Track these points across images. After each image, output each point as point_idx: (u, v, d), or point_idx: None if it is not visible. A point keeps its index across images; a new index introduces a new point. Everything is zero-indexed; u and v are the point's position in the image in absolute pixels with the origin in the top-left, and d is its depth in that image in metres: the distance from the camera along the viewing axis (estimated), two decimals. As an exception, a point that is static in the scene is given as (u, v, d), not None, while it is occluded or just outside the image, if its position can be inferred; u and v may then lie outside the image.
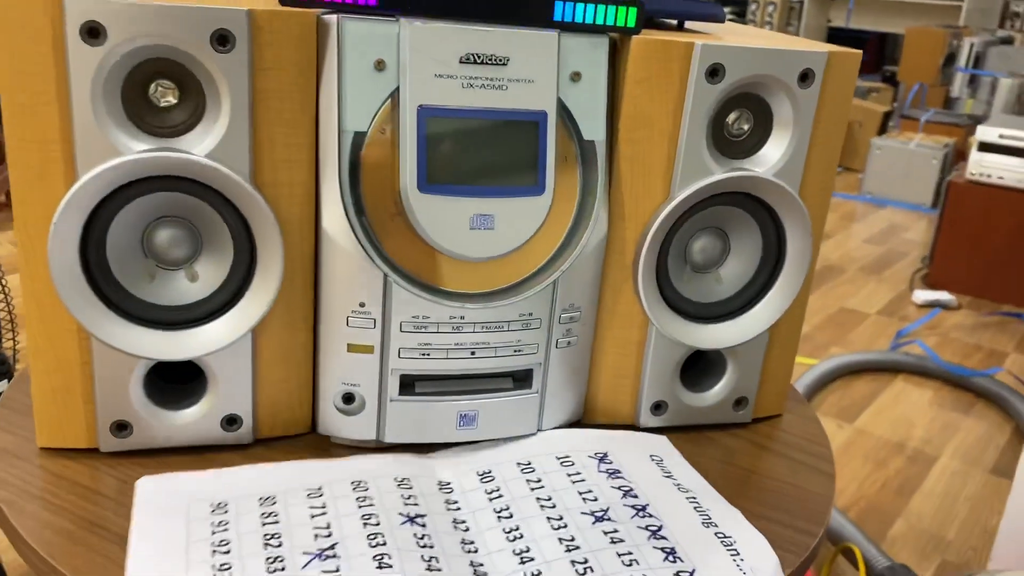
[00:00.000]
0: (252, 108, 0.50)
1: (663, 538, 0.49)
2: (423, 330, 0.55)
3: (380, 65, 0.50)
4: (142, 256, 0.53)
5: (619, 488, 0.53)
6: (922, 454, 1.92)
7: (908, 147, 4.10)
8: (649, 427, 0.63)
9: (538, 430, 0.60)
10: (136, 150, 0.49)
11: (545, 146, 0.53)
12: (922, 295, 2.85)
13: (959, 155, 4.05)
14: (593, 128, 0.55)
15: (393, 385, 0.56)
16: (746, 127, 0.58)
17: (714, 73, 0.54)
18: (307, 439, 0.59)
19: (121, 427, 0.54)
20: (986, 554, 1.58)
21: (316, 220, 0.54)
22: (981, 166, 2.90)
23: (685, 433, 0.64)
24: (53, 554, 0.46)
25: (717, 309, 0.62)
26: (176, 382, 0.57)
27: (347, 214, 0.52)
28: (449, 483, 0.54)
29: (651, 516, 0.51)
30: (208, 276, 0.54)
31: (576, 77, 0.53)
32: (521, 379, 0.58)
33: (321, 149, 0.52)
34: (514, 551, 0.48)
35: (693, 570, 0.47)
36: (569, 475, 0.54)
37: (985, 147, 2.90)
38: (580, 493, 0.52)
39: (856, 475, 1.81)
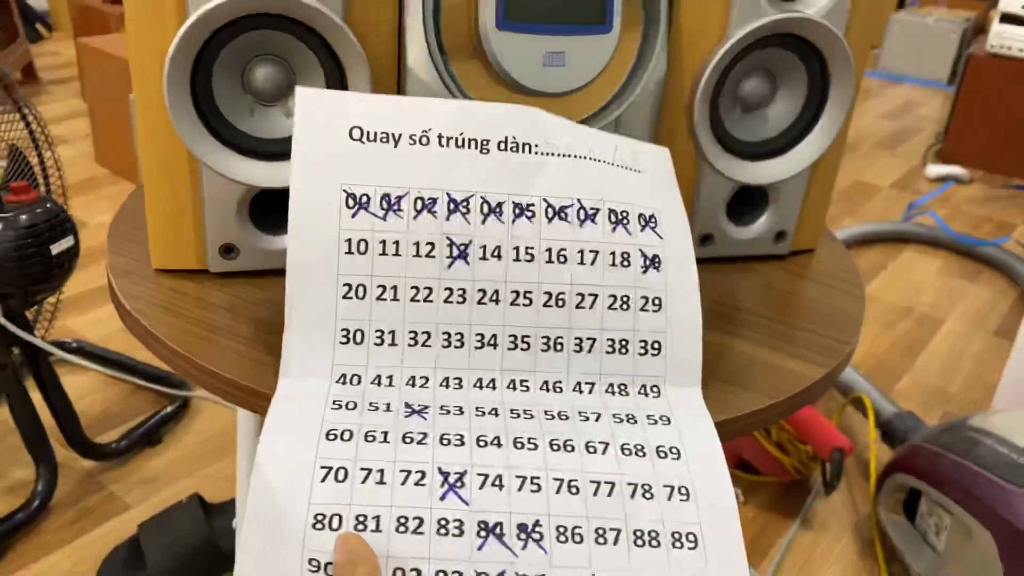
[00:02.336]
0: (346, -51, 0.53)
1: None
2: (498, 162, 0.60)
3: (464, -93, 0.54)
4: (242, 92, 0.58)
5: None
6: (929, 317, 2.00)
7: (927, 21, 4.04)
8: (696, 258, 0.69)
9: None
10: (243, -12, 0.53)
11: (614, -13, 0.57)
12: (935, 169, 2.88)
13: (979, 30, 3.99)
14: (657, -30, 0.58)
15: (469, 213, 0.62)
16: (798, -29, 0.61)
17: (772, -84, 0.58)
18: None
19: (228, 249, 0.60)
20: (986, 406, 1.67)
21: (400, 59, 0.58)
22: (1002, 38, 2.87)
23: (729, 264, 0.70)
24: (190, 350, 0.53)
25: (764, 147, 0.67)
26: (275, 213, 0.62)
27: (430, 52, 0.56)
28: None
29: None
30: (302, 111, 0.59)
31: (643, -80, 0.57)
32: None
33: (407, -10, 0.56)
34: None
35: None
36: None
37: (1007, 19, 2.87)
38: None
39: (865, 337, 1.89)
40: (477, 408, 0.47)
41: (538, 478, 0.44)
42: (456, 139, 0.51)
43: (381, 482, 0.42)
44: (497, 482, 0.43)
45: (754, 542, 1.31)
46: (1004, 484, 1.04)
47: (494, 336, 0.49)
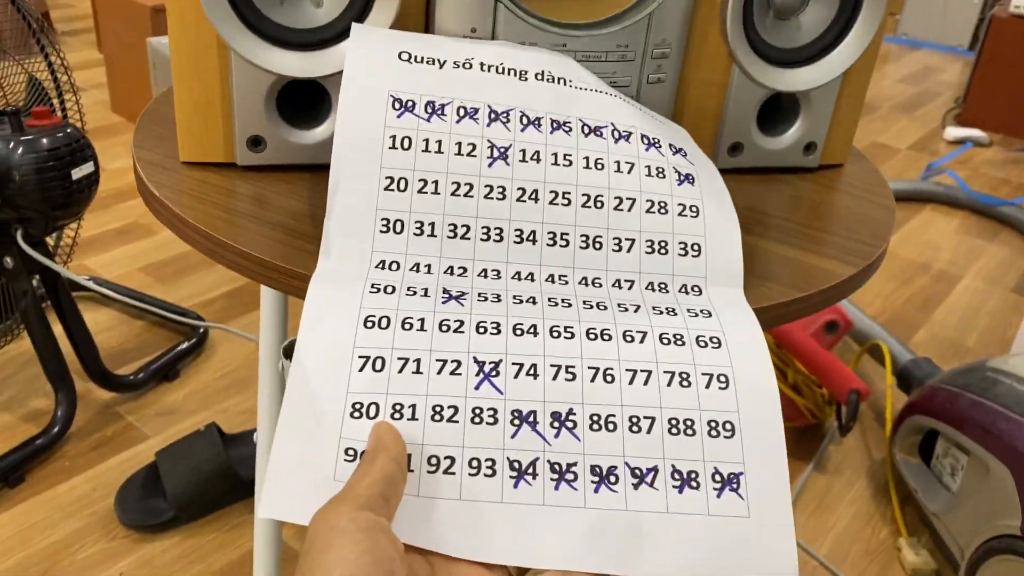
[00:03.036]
0: None
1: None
2: (528, 58, 0.60)
3: None
4: (272, -20, 0.57)
5: None
6: (946, 274, 1.99)
7: (949, -14, 3.98)
8: (725, 168, 0.68)
9: None
10: None
11: None
12: (954, 132, 2.85)
13: (1001, -6, 3.93)
14: None
15: (498, 112, 0.61)
16: None
17: None
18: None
19: (255, 142, 0.60)
20: (1003, 360, 1.66)
21: (431, -51, 0.57)
22: (1026, -2, 2.83)
23: (758, 175, 0.69)
24: (218, 231, 0.53)
25: (796, 55, 0.66)
26: (300, 110, 0.62)
27: (463, -60, 0.56)
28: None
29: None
30: (333, 1, 0.58)
31: None
32: (614, 112, 0.63)
33: None
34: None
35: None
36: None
37: (1032, -22, 2.82)
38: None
39: (881, 291, 1.89)
40: (515, 296, 0.48)
41: (573, 367, 0.44)
42: (497, 67, 0.53)
43: (417, 371, 0.42)
44: (532, 371, 0.43)
45: (768, 484, 1.31)
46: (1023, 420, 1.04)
47: (533, 232, 0.50)
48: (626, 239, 0.50)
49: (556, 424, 0.42)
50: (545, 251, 0.50)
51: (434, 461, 0.40)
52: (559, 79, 0.54)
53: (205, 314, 1.57)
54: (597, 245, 0.50)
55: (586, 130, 0.52)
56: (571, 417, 0.42)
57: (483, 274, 0.49)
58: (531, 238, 0.50)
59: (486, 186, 0.50)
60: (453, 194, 0.49)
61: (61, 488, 1.20)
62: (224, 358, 1.48)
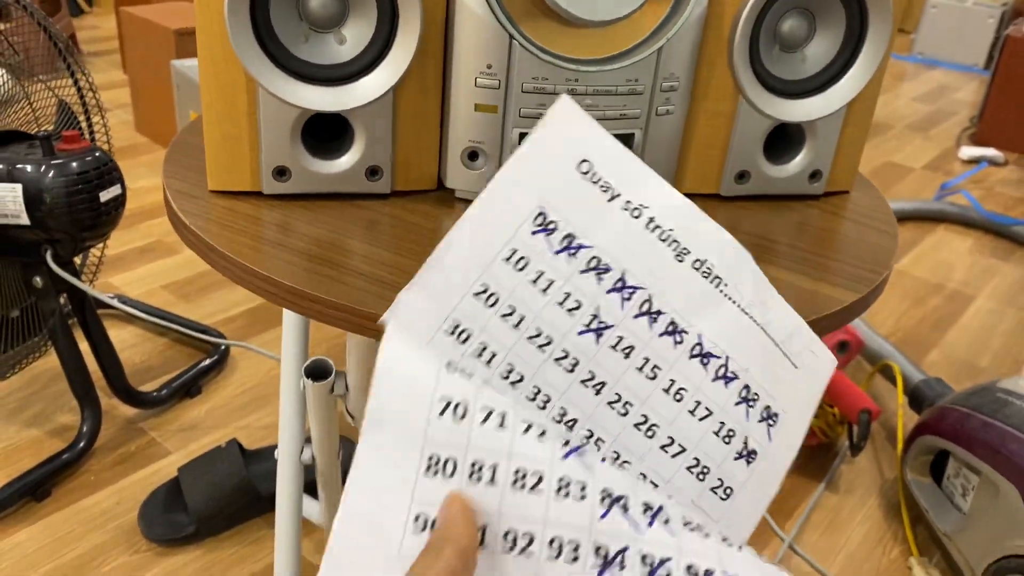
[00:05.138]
0: None
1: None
2: (542, 92, 0.62)
3: None
4: (298, 19, 0.60)
5: None
6: (960, 294, 1.99)
7: (964, 5, 4.00)
8: (732, 195, 0.71)
9: None
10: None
11: (659, -82, 0.58)
12: (968, 151, 2.86)
13: (1016, 13, 3.94)
14: (701, -96, 0.60)
15: (513, 143, 0.64)
16: (840, -92, 0.63)
17: None
18: (435, 194, 0.67)
19: (281, 172, 0.63)
20: (1016, 380, 1.67)
21: (450, -12, 0.60)
22: (1041, 19, 2.84)
23: (765, 202, 0.71)
24: (245, 258, 0.55)
25: (801, 86, 0.68)
26: (324, 140, 0.65)
27: (480, -19, 0.58)
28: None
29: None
30: (355, 39, 0.61)
31: None
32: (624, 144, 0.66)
33: (459, -81, 0.58)
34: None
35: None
36: None
37: (1047, -1, 2.83)
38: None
39: (894, 310, 1.90)
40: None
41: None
42: (664, 231, 0.48)
43: (502, 426, 0.40)
44: (616, 462, 0.42)
45: (780, 503, 1.32)
46: (1032, 443, 1.05)
47: (574, 421, 0.46)
48: (651, 480, 0.47)
49: (648, 513, 0.40)
50: (573, 440, 0.46)
51: (510, 539, 0.38)
52: (716, 278, 0.48)
53: (227, 331, 1.60)
54: (624, 466, 0.47)
55: (696, 351, 0.47)
56: (664, 511, 0.40)
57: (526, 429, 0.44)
58: (569, 424, 0.46)
59: (563, 350, 0.46)
60: (530, 339, 0.46)
61: (86, 502, 1.23)
62: (245, 375, 1.51)
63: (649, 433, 0.47)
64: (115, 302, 1.34)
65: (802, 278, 0.61)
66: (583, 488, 0.39)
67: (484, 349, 0.45)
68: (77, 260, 1.40)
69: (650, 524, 0.39)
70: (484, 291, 0.45)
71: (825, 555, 1.25)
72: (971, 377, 1.68)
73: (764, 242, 0.65)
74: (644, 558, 0.38)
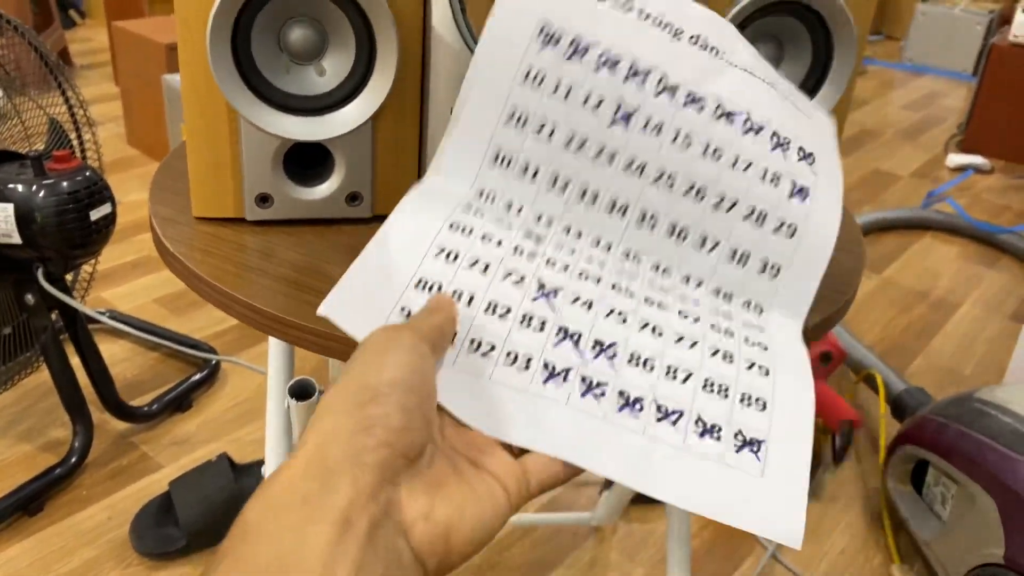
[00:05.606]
0: (377, -85, 0.57)
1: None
2: (516, 120, 0.64)
3: None
4: (278, 51, 0.62)
5: None
6: (945, 302, 2.02)
7: (952, 12, 4.03)
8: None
9: None
10: (281, -49, 0.57)
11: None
12: (956, 158, 2.88)
13: (1004, 20, 3.97)
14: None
15: (489, 169, 0.65)
16: (804, -59, 0.65)
17: None
18: (413, 218, 0.69)
19: (263, 199, 0.65)
20: (999, 388, 1.69)
21: (425, 19, 0.62)
22: (1025, 27, 2.87)
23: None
24: (228, 285, 0.57)
25: (769, 111, 0.70)
26: (306, 167, 0.67)
27: (453, 12, 0.60)
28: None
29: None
30: (334, 70, 0.63)
31: None
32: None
33: (433, -45, 0.60)
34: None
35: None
36: None
37: (1031, 8, 2.86)
38: None
39: (879, 319, 1.92)
40: (588, 257, 0.50)
41: (626, 315, 0.46)
42: (655, 17, 0.51)
43: (484, 272, 0.45)
44: (587, 305, 0.46)
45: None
46: (1008, 453, 1.07)
47: (626, 206, 0.51)
48: (711, 240, 0.51)
49: (597, 349, 0.44)
50: (631, 228, 0.51)
51: (475, 344, 0.43)
52: (712, 48, 0.52)
53: (218, 345, 1.61)
54: (682, 237, 0.51)
55: (719, 112, 0.51)
56: (612, 348, 0.44)
57: (566, 230, 0.51)
58: (622, 211, 0.50)
59: (599, 147, 0.50)
60: (565, 145, 0.50)
61: (79, 516, 1.24)
62: (236, 389, 1.53)
63: (700, 196, 0.50)
64: (105, 318, 1.35)
65: (769, 299, 0.62)
66: (543, 323, 0.44)
67: (527, 166, 0.50)
68: (69, 276, 1.42)
69: (595, 357, 0.44)
70: (513, 115, 0.50)
71: (808, 563, 1.26)
72: (955, 385, 1.70)
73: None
74: (583, 378, 0.43)
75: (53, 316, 1.28)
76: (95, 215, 1.16)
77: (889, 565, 1.27)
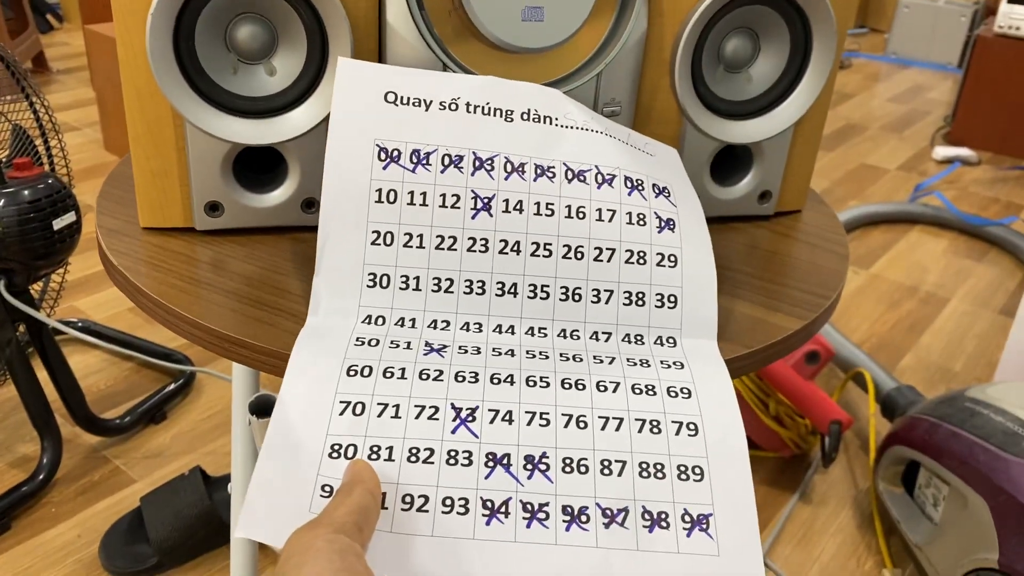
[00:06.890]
0: (324, -95, 0.54)
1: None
2: (479, 120, 0.61)
3: None
4: (225, 50, 0.58)
5: None
6: (934, 297, 1.99)
7: (937, 4, 4.01)
8: (681, 218, 0.69)
9: None
10: (222, -56, 0.53)
11: (592, -59, 0.57)
12: (942, 151, 2.87)
13: (988, 12, 3.95)
14: (636, -74, 0.59)
15: (452, 172, 0.62)
16: (778, -73, 0.62)
17: None
18: (375, 224, 0.65)
19: (213, 207, 0.61)
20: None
21: (380, 16, 0.59)
22: (1010, 19, 2.85)
23: (713, 224, 0.70)
24: (174, 302, 0.54)
25: (747, 107, 0.67)
26: (258, 172, 0.63)
27: (409, 8, 0.57)
28: None
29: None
30: (285, 70, 0.59)
31: None
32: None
33: (386, -54, 0.57)
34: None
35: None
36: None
37: (1015, -2, 2.84)
38: None
39: (869, 315, 1.89)
40: (494, 349, 0.49)
41: (547, 414, 0.45)
42: (483, 107, 0.54)
43: (396, 416, 0.44)
44: (507, 417, 0.45)
45: (753, 516, 1.31)
46: (1000, 453, 1.04)
47: (514, 285, 0.51)
48: (604, 290, 0.52)
49: (529, 467, 0.43)
50: (526, 303, 0.52)
51: (408, 499, 0.42)
52: (545, 118, 0.55)
53: (192, 354, 1.57)
54: (576, 297, 0.52)
55: (569, 175, 0.53)
56: (544, 460, 0.44)
57: (465, 327, 0.51)
58: (512, 291, 0.51)
59: (469, 239, 0.51)
60: (437, 247, 0.51)
61: (47, 535, 1.20)
62: (210, 399, 1.49)
63: (579, 255, 0.52)
64: (72, 330, 1.31)
65: (747, 304, 0.59)
66: (469, 455, 0.43)
67: (407, 278, 0.50)
68: (37, 286, 1.38)
69: (530, 476, 0.43)
70: (377, 234, 0.50)
71: (799, 568, 1.24)
72: (945, 382, 1.67)
73: (711, 267, 0.64)
74: (524, 504, 0.42)
75: (21, 329, 1.24)
76: (58, 224, 1.13)
77: (881, 569, 1.24)
